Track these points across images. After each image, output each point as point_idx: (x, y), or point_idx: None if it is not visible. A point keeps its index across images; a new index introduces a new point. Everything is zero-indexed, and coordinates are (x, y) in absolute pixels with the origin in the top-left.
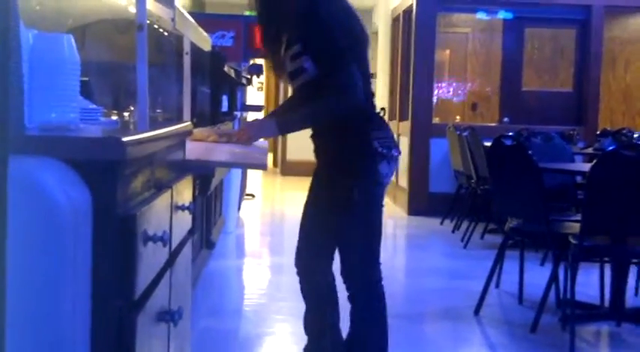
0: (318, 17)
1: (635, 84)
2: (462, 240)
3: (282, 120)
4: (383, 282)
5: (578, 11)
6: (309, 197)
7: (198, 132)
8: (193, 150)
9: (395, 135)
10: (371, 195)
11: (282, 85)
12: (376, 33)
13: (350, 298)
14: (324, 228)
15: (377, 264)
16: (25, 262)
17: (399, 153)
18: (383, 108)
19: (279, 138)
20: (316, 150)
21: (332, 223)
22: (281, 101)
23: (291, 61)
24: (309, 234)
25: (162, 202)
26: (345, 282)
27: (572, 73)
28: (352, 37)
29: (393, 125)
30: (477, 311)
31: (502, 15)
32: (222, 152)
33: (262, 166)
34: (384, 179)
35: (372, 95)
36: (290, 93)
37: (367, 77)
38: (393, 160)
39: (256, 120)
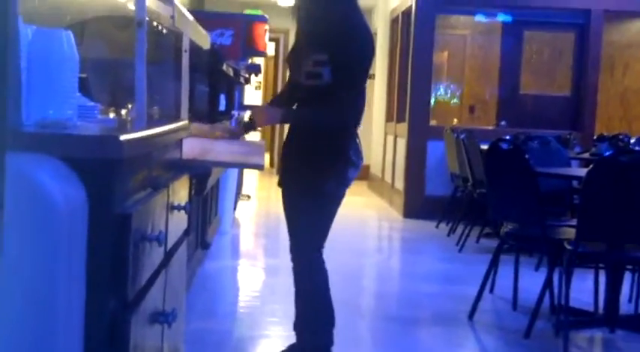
0: (352, 36)
1: (632, 89)
2: (457, 244)
3: (288, 113)
4: (377, 284)
5: (577, 15)
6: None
7: (196, 127)
8: (190, 149)
9: (390, 137)
10: (335, 192)
11: (279, 83)
12: (375, 34)
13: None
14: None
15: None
16: (19, 258)
17: (363, 161)
18: None
19: (276, 138)
20: (293, 137)
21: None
22: None
23: (313, 65)
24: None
25: (158, 202)
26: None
27: (571, 77)
28: (370, 57)
29: (390, 127)
30: (470, 316)
31: (501, 18)
32: (218, 152)
33: (259, 166)
34: (349, 182)
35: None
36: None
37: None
38: (358, 168)
39: (262, 107)
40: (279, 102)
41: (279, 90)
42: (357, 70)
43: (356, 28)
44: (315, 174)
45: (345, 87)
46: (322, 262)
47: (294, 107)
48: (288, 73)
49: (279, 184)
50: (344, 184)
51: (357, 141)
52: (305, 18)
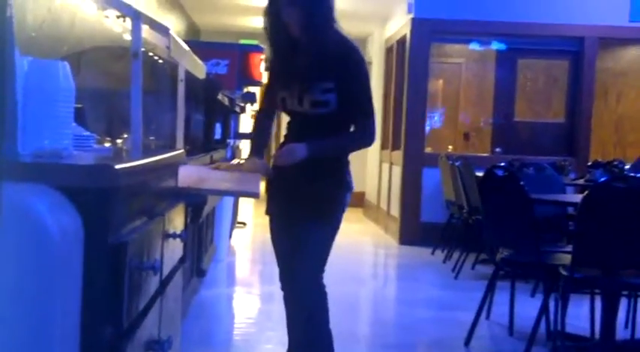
0: (359, 63)
1: (626, 115)
2: (453, 271)
3: (313, 146)
4: (374, 311)
5: (571, 43)
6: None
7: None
8: (186, 177)
9: (386, 165)
10: (339, 216)
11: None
12: (370, 62)
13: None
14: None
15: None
16: (15, 287)
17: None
18: None
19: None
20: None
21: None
22: (274, 130)
23: (320, 92)
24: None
25: (153, 230)
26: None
27: (565, 104)
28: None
29: (385, 154)
30: (467, 343)
31: (495, 46)
32: (214, 180)
33: (255, 194)
34: (346, 206)
35: None
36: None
37: None
38: (351, 191)
39: (287, 147)
40: (261, 149)
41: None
42: (369, 98)
43: (357, 51)
44: (326, 202)
45: (360, 115)
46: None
47: (294, 137)
48: (256, 109)
49: (272, 212)
50: (344, 209)
51: (349, 164)
52: (306, 47)
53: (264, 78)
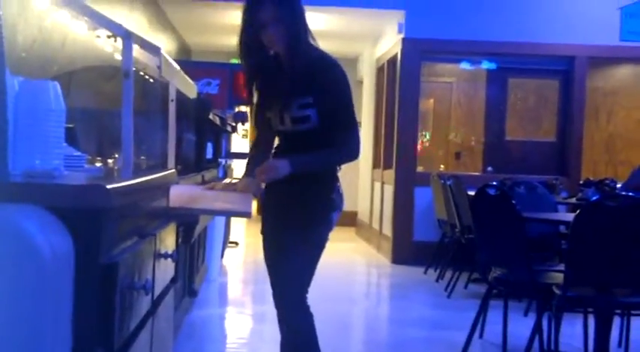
0: (337, 76)
1: (617, 134)
2: (446, 290)
3: (296, 161)
4: (366, 331)
5: (561, 62)
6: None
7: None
8: (177, 197)
9: (377, 184)
10: (324, 236)
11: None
12: (361, 82)
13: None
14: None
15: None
16: (5, 307)
17: (344, 205)
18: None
19: (263, 186)
20: (277, 184)
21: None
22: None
23: (298, 108)
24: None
25: (145, 250)
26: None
27: (556, 123)
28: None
29: (376, 173)
30: None
31: (485, 65)
32: (206, 200)
33: (246, 214)
34: (333, 225)
35: None
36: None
37: None
38: (340, 210)
39: (270, 162)
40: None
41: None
42: (349, 111)
43: (336, 65)
44: (310, 219)
45: (342, 128)
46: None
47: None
48: (253, 133)
49: (264, 232)
50: (330, 228)
51: (338, 183)
52: (289, 64)
53: (255, 97)
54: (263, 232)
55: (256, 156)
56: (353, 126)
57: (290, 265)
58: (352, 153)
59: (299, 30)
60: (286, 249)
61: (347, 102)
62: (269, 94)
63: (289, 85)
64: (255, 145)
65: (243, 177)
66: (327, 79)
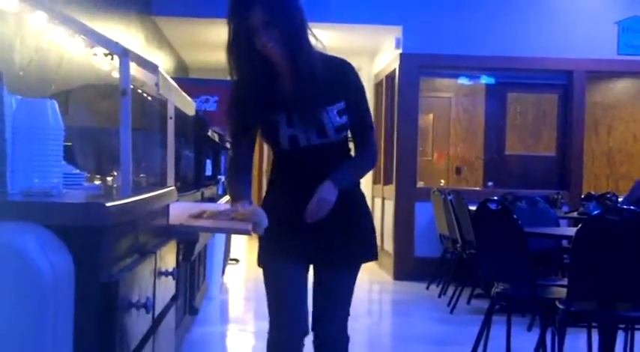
0: (357, 75)
1: (617, 148)
2: (449, 305)
3: (338, 180)
4: (369, 348)
5: (560, 76)
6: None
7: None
8: (177, 215)
9: (378, 200)
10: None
11: (265, 147)
12: None
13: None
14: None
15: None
16: (5, 327)
17: None
18: None
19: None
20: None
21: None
22: (265, 163)
23: (339, 116)
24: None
25: (145, 268)
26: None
27: (555, 137)
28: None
29: (377, 189)
30: None
31: (484, 80)
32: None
33: (247, 231)
34: None
35: None
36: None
37: None
38: None
39: (316, 197)
40: (249, 190)
41: (264, 152)
42: (368, 108)
43: (349, 63)
44: (365, 240)
45: (368, 129)
46: None
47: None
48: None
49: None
50: None
51: None
52: (292, 70)
53: None
54: (276, 259)
55: (242, 176)
56: (373, 126)
57: (342, 296)
58: (377, 155)
59: (298, 33)
60: (334, 279)
61: (368, 103)
62: (267, 110)
63: (316, 93)
64: (237, 164)
65: (237, 201)
66: (355, 81)
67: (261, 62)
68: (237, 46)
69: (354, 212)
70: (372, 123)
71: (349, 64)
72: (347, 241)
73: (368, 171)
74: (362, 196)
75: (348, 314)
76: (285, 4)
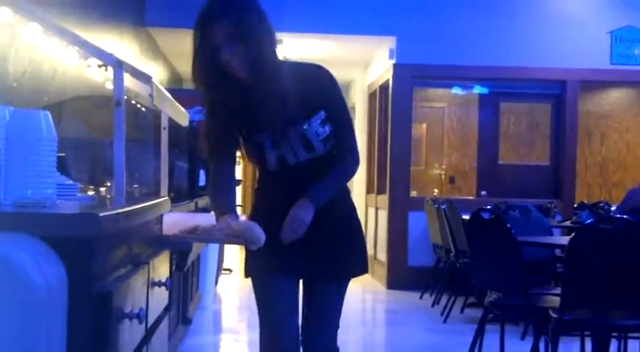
0: (333, 80)
1: (610, 157)
2: (442, 315)
3: (315, 197)
4: None
5: (553, 86)
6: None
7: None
8: (170, 225)
9: (372, 209)
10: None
11: None
12: (353, 107)
13: None
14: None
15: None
16: None
17: None
18: None
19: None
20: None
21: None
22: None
23: (322, 126)
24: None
25: (138, 278)
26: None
27: (549, 146)
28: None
29: (370, 198)
30: None
31: (477, 90)
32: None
33: (240, 242)
34: None
35: None
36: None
37: None
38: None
39: (291, 216)
40: (235, 204)
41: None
42: (347, 112)
43: (323, 68)
44: (355, 251)
45: (348, 135)
46: None
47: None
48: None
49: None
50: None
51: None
52: (258, 87)
53: None
54: (266, 271)
55: (224, 191)
56: (353, 128)
57: (330, 311)
58: (356, 158)
59: (265, 49)
60: (322, 294)
61: (345, 104)
62: (247, 131)
63: (294, 107)
64: (216, 179)
65: (223, 216)
66: (328, 86)
67: (230, 80)
68: (200, 62)
69: (343, 225)
70: (351, 123)
71: (321, 69)
72: (336, 255)
73: (348, 178)
74: (352, 208)
75: (337, 326)
76: (253, 19)
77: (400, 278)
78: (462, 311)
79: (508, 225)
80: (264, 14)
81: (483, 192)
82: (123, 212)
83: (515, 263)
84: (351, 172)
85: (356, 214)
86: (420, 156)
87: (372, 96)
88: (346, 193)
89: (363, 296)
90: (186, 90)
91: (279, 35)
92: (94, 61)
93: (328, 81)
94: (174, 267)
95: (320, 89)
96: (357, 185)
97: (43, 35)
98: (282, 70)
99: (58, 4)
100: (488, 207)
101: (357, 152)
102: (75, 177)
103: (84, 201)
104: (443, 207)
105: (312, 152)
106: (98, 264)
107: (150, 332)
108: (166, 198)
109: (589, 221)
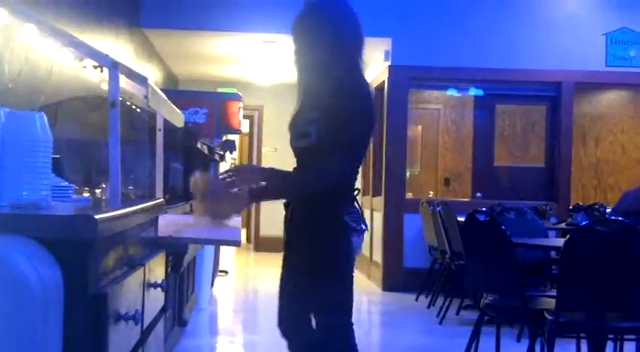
0: (345, 94)
1: (605, 159)
2: (438, 316)
3: (257, 193)
4: None
5: (548, 88)
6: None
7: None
8: (166, 226)
9: (367, 211)
10: (343, 268)
11: (254, 160)
12: None
13: None
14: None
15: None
16: None
17: (366, 227)
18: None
19: (253, 213)
20: (290, 220)
21: (308, 290)
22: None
23: (305, 123)
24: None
25: (134, 280)
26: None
27: (544, 148)
28: (367, 119)
29: (366, 200)
30: None
31: (473, 92)
32: (195, 229)
33: (236, 243)
34: (355, 251)
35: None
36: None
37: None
38: (361, 233)
39: (246, 165)
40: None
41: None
42: (347, 130)
43: (352, 87)
44: (318, 253)
45: (333, 148)
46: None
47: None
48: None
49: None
50: (350, 255)
51: (352, 205)
52: (301, 72)
53: (244, 126)
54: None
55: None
56: (338, 151)
57: (326, 299)
58: (327, 176)
59: (321, 64)
60: (315, 282)
61: (345, 124)
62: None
63: (302, 98)
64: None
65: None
66: (334, 95)
67: None
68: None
69: (305, 240)
70: (343, 145)
71: (347, 84)
72: (297, 257)
73: (303, 190)
74: (328, 211)
75: (331, 323)
76: (307, 39)
77: (396, 280)
78: (457, 313)
79: (503, 227)
80: None
81: (478, 194)
82: (118, 214)
83: (510, 265)
84: (309, 183)
85: (334, 232)
86: (416, 157)
87: None
88: (331, 206)
89: (359, 297)
90: (182, 91)
91: (275, 36)
92: (90, 62)
93: (334, 90)
94: (169, 269)
95: (323, 94)
96: None
97: (38, 36)
98: (324, 65)
99: (54, 5)
100: (484, 208)
101: (329, 169)
102: (70, 179)
103: (79, 202)
104: (438, 208)
105: (290, 142)
106: (94, 266)
107: (145, 333)
108: (161, 199)
109: (584, 223)
